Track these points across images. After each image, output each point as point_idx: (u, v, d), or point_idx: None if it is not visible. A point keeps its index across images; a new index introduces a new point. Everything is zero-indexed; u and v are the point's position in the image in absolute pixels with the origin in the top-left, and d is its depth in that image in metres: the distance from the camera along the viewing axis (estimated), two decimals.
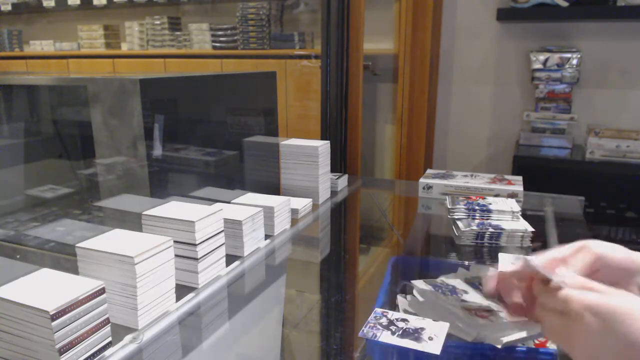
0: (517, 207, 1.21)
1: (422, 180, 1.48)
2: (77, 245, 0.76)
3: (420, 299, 0.85)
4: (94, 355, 0.66)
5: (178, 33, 3.36)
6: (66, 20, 3.86)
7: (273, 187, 1.38)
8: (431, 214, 1.44)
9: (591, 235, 0.69)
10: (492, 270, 0.92)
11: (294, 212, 1.27)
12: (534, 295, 0.61)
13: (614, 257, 0.60)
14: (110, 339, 0.69)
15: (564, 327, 0.53)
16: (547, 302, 0.56)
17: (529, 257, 0.60)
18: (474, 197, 1.30)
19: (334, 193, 1.50)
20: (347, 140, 1.79)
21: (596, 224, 2.17)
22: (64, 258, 1.00)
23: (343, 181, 1.57)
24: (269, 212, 1.13)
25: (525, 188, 1.41)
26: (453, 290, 0.85)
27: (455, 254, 1.12)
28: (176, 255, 0.83)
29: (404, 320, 0.76)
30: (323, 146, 1.38)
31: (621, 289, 0.55)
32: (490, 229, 1.13)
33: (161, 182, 0.99)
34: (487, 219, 1.18)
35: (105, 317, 0.67)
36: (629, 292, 0.56)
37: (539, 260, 0.61)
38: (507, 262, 0.87)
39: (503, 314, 0.79)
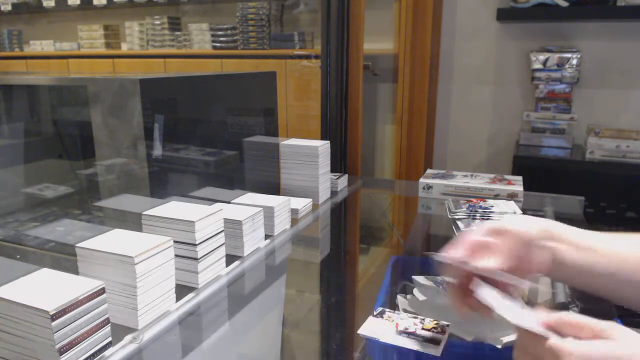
0: (518, 210, 1.21)
1: (422, 180, 1.49)
2: (77, 245, 0.76)
3: (421, 296, 0.85)
4: (94, 355, 0.66)
5: (178, 33, 3.36)
6: (66, 20, 3.85)
7: (273, 187, 1.38)
8: (431, 214, 1.44)
9: None
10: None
11: (294, 212, 1.27)
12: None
13: (530, 234, 0.62)
14: (110, 339, 0.69)
15: None
16: (530, 347, 0.52)
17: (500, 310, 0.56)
18: (475, 200, 1.30)
19: (334, 193, 1.50)
20: (347, 140, 1.79)
21: (596, 224, 2.17)
22: (64, 258, 1.00)
23: (343, 181, 1.57)
24: (269, 212, 1.13)
25: (525, 188, 1.41)
26: None
27: None
28: (176, 255, 0.83)
29: (404, 320, 0.76)
30: (323, 146, 1.38)
31: (540, 252, 0.58)
32: None
33: (161, 182, 0.99)
34: (488, 219, 1.18)
35: (105, 317, 0.67)
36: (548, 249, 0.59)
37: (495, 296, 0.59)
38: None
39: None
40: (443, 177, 1.51)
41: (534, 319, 0.52)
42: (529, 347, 0.51)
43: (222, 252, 0.95)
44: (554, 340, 0.48)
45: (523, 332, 0.52)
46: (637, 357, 0.46)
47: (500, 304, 0.57)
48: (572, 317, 0.50)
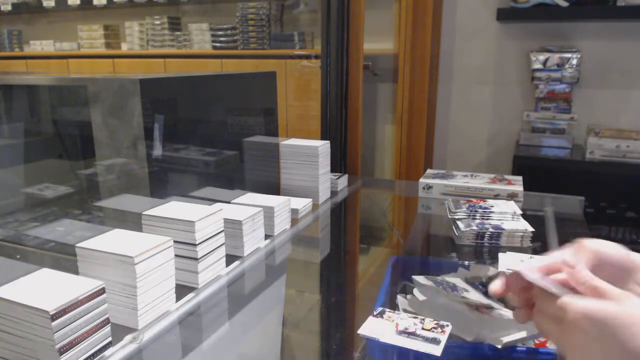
0: (518, 210, 1.21)
1: (422, 180, 1.49)
2: (77, 245, 0.76)
3: (421, 296, 0.85)
4: (94, 355, 0.66)
5: (178, 33, 3.36)
6: (66, 20, 3.85)
7: (273, 187, 1.38)
8: (431, 214, 1.44)
9: (591, 235, 0.68)
10: (492, 270, 0.92)
11: (294, 212, 1.27)
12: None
13: (611, 254, 0.59)
14: (110, 339, 0.69)
15: (561, 334, 0.52)
16: (545, 308, 0.54)
17: (524, 270, 0.56)
18: (475, 200, 1.30)
19: (334, 193, 1.50)
20: (347, 140, 1.79)
21: (596, 224, 2.17)
22: (64, 258, 1.00)
23: (343, 181, 1.57)
24: (269, 212, 1.13)
25: (525, 188, 1.41)
26: (454, 287, 0.85)
27: (455, 254, 1.12)
28: (176, 255, 0.83)
29: (404, 320, 0.76)
30: (323, 146, 1.38)
31: (620, 286, 0.53)
32: (490, 229, 1.13)
33: (161, 182, 0.99)
34: (488, 219, 1.18)
35: (105, 317, 0.67)
36: (628, 290, 0.55)
37: (534, 270, 0.57)
38: (509, 264, 0.86)
39: (503, 311, 0.79)
40: (443, 177, 1.51)
41: (552, 281, 0.54)
42: (546, 307, 0.53)
43: (222, 252, 0.95)
44: (563, 298, 0.50)
45: (541, 295, 0.54)
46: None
47: (523, 266, 0.57)
48: (596, 281, 0.51)
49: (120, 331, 0.74)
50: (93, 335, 0.66)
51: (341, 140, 1.77)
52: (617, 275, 0.58)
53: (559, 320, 0.51)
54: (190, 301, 0.85)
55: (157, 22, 3.39)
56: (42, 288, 0.65)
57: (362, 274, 1.12)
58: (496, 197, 1.39)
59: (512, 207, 1.24)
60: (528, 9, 2.12)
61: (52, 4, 3.69)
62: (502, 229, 1.13)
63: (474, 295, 0.83)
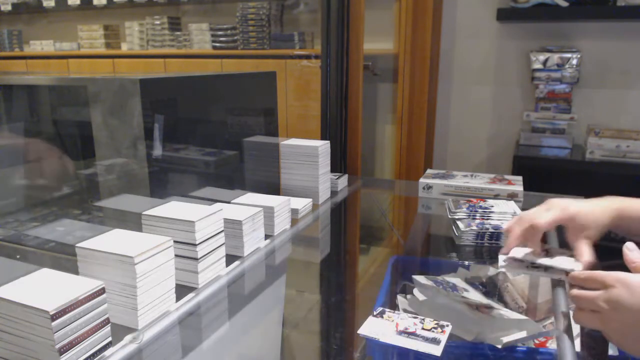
0: (518, 210, 1.21)
1: (422, 180, 1.49)
2: (77, 245, 0.76)
3: (421, 296, 0.85)
4: (94, 355, 0.66)
5: (178, 33, 3.36)
6: (66, 20, 3.85)
7: (273, 187, 1.38)
8: (431, 214, 1.44)
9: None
10: (493, 270, 0.92)
11: (294, 212, 1.27)
12: None
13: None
14: (110, 339, 0.69)
15: (598, 301, 0.62)
16: (587, 285, 0.66)
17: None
18: (475, 200, 1.30)
19: (334, 193, 1.50)
20: (347, 140, 1.79)
21: None
22: (64, 258, 1.00)
23: (343, 181, 1.57)
24: (269, 212, 1.13)
25: (525, 188, 1.41)
26: (454, 287, 0.85)
27: (455, 254, 1.12)
28: (176, 255, 0.83)
29: (404, 320, 0.76)
30: (323, 146, 1.38)
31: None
32: (491, 229, 1.13)
33: (161, 182, 0.99)
34: (488, 219, 1.18)
35: (105, 317, 0.67)
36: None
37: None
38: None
39: (503, 311, 0.79)
40: (443, 177, 1.51)
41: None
42: (589, 285, 0.66)
43: (222, 252, 0.95)
44: (601, 273, 0.64)
45: (577, 279, 0.68)
46: None
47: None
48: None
49: (120, 331, 0.74)
50: (93, 335, 0.66)
51: (341, 140, 1.77)
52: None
53: (596, 290, 0.63)
54: (190, 301, 0.85)
55: (157, 22, 3.39)
56: (42, 288, 0.65)
57: (362, 274, 1.12)
58: (496, 197, 1.39)
59: (512, 207, 1.24)
60: (528, 9, 2.12)
61: (52, 4, 3.68)
62: (502, 229, 1.13)
63: (474, 295, 0.83)
